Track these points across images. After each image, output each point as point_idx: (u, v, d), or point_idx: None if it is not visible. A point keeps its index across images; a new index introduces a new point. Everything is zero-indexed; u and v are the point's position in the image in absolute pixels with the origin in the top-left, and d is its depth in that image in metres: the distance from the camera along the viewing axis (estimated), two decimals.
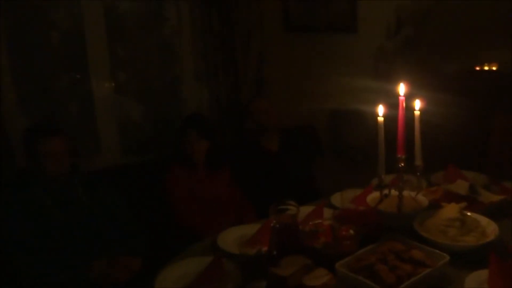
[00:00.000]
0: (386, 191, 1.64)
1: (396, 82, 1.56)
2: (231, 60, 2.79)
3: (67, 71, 2.53)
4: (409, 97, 1.58)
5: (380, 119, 1.57)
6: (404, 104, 1.54)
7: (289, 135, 2.63)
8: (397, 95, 1.55)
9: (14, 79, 2.26)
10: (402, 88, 1.54)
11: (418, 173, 1.64)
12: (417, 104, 1.62)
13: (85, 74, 2.51)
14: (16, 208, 1.82)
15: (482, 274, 1.30)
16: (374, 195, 1.74)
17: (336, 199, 2.01)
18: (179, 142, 2.30)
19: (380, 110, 1.57)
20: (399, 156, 1.58)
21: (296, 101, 3.02)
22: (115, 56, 2.60)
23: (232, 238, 1.69)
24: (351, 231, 1.47)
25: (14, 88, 2.27)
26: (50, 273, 1.77)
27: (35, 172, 1.90)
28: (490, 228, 1.54)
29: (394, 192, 1.64)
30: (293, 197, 1.50)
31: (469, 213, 1.59)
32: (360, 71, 2.95)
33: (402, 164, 1.58)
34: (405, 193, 1.63)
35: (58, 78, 2.52)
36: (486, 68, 2.91)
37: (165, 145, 2.70)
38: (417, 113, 1.62)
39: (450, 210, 1.57)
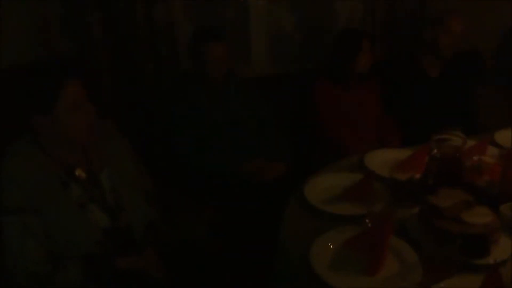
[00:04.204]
0: None
1: None
2: None
3: None
4: None
5: None
6: None
7: (451, 60, 2.34)
8: None
9: None
10: None
11: None
12: None
13: None
14: (179, 103, 2.04)
15: None
16: None
17: (501, 136, 1.81)
18: (346, 55, 2.23)
19: None
20: None
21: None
22: None
23: (380, 159, 1.66)
24: None
25: None
26: (205, 161, 1.99)
27: (197, 74, 2.07)
28: None
29: None
30: (450, 126, 1.39)
31: None
32: None
33: None
34: None
35: None
36: None
37: (315, 56, 2.66)
38: None
39: None
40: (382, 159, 1.66)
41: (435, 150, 1.31)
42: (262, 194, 1.91)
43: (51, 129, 1.25)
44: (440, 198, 1.22)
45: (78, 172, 1.32)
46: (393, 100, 2.31)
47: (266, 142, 2.12)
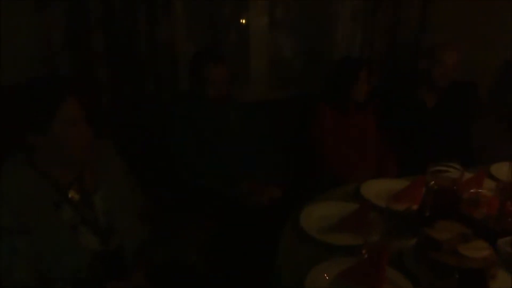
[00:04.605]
0: None
1: None
2: None
3: (229, 2, 2.61)
4: None
5: None
6: None
7: (447, 91, 2.37)
8: None
9: (184, 5, 2.41)
10: None
11: None
12: None
13: (245, 7, 2.56)
14: (177, 121, 2.04)
15: None
16: None
17: (497, 169, 1.81)
18: (344, 84, 2.26)
19: None
20: None
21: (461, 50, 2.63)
22: None
23: (376, 189, 1.65)
24: None
25: (185, 14, 2.42)
26: (203, 180, 1.97)
27: (196, 95, 2.07)
28: None
29: None
30: (444, 159, 1.39)
31: None
32: None
33: None
34: None
35: (221, 8, 2.62)
36: None
37: (314, 82, 2.69)
38: None
39: None
40: (379, 189, 1.65)
41: (432, 182, 1.31)
42: (257, 217, 1.89)
43: (46, 147, 1.24)
44: (437, 230, 1.21)
45: (71, 194, 1.30)
46: (391, 129, 2.33)
47: (264, 164, 2.11)
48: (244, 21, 2.62)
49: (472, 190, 1.41)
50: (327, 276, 1.17)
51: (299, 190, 2.01)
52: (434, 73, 2.28)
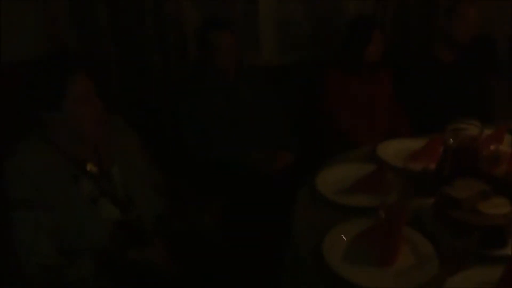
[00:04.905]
0: None
1: None
2: None
3: None
4: None
5: None
6: None
7: (466, 47, 2.28)
8: None
9: None
10: None
11: None
12: None
13: None
14: (188, 94, 2.03)
15: None
16: None
17: None
18: (357, 44, 2.20)
19: None
20: None
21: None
22: None
23: (392, 150, 1.63)
24: None
25: None
26: (214, 152, 1.98)
27: (206, 66, 2.04)
28: None
29: None
30: (463, 115, 1.35)
31: None
32: None
33: None
34: None
35: None
36: None
37: (323, 46, 2.62)
38: None
39: None
40: (395, 150, 1.63)
41: (451, 140, 1.28)
42: (271, 185, 1.90)
43: (60, 124, 1.25)
44: (456, 189, 1.19)
45: (90, 167, 1.31)
46: (406, 89, 2.27)
47: (276, 132, 2.10)
48: None
49: (492, 147, 1.37)
50: (344, 238, 1.17)
51: (311, 156, 2.00)
52: (456, 29, 2.20)
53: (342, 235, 1.18)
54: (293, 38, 2.70)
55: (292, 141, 2.09)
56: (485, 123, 1.79)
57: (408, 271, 1.08)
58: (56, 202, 1.23)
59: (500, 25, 2.61)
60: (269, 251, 1.57)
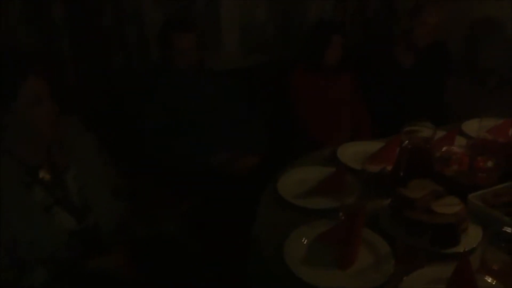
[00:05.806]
0: None
1: None
2: None
3: None
4: None
5: None
6: None
7: (423, 51, 2.37)
8: None
9: None
10: None
11: None
12: None
13: None
14: (149, 93, 1.99)
15: None
16: None
17: (468, 126, 1.84)
18: (316, 47, 2.24)
19: None
20: None
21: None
22: None
23: (351, 152, 1.67)
24: (490, 163, 1.35)
25: None
26: (174, 152, 1.95)
27: (166, 65, 2.01)
28: None
29: None
30: (419, 118, 1.40)
31: None
32: None
33: None
34: None
35: None
36: None
37: (286, 47, 2.64)
38: None
39: None
40: (355, 152, 1.67)
41: (406, 142, 1.32)
42: (236, 186, 1.89)
43: (11, 126, 1.19)
44: (410, 189, 1.23)
45: (42, 174, 1.26)
46: (367, 91, 2.33)
47: (240, 133, 2.09)
48: None
49: (444, 148, 1.43)
50: (305, 240, 1.19)
51: (277, 156, 2.01)
52: (417, 32, 2.27)
53: (303, 238, 1.19)
54: (255, 40, 2.71)
55: (258, 141, 2.09)
56: (441, 125, 1.89)
57: (366, 271, 1.10)
58: (8, 211, 1.17)
59: (454, 28, 2.73)
60: (235, 252, 1.56)
